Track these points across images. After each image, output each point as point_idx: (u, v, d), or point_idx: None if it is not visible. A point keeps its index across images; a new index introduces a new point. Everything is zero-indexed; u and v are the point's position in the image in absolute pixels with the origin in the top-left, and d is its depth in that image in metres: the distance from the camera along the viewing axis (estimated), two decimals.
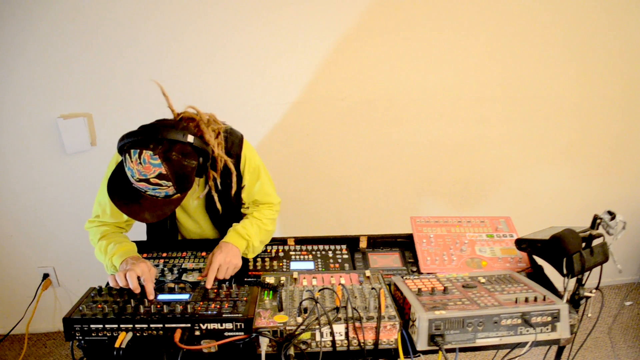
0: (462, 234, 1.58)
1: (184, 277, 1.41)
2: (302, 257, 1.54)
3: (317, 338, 1.10)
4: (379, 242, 1.61)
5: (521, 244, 1.38)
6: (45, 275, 2.49)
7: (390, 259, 1.54)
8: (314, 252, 1.56)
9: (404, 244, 1.60)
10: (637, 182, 2.74)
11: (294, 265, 1.49)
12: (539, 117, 2.46)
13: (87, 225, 1.53)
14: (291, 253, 1.56)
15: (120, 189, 1.23)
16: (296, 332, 1.09)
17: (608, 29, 2.29)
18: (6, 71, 2.02)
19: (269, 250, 1.57)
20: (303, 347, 1.10)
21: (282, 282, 1.31)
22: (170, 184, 1.18)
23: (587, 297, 1.26)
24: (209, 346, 1.11)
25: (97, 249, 1.45)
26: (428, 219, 1.64)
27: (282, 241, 1.61)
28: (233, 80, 2.16)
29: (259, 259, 1.52)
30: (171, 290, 1.24)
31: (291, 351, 1.08)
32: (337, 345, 1.11)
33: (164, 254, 1.54)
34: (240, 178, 1.50)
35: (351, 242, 1.61)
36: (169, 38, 2.05)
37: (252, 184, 1.55)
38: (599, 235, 1.28)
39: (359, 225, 2.57)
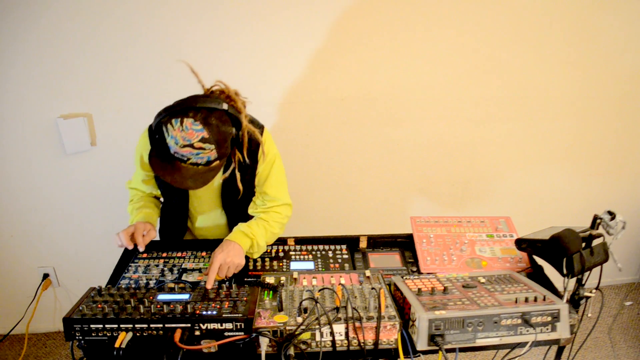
0: (462, 234, 1.58)
1: (184, 277, 1.41)
2: (302, 257, 1.54)
3: (317, 338, 1.10)
4: (379, 242, 1.61)
5: (521, 244, 1.38)
6: (45, 275, 2.49)
7: (390, 259, 1.54)
8: (314, 252, 1.56)
9: (404, 244, 1.60)
10: (637, 182, 2.74)
11: (294, 265, 1.49)
12: (539, 117, 2.46)
13: (127, 184, 1.68)
14: (291, 253, 1.56)
15: (162, 162, 1.27)
16: (296, 332, 1.09)
17: (608, 28, 2.29)
18: (6, 71, 2.02)
19: (269, 251, 1.57)
20: (303, 347, 1.10)
21: (282, 282, 1.31)
22: (212, 147, 1.22)
23: (587, 297, 1.26)
24: (209, 346, 1.11)
25: (128, 209, 1.62)
26: (428, 219, 1.64)
27: (282, 241, 1.61)
28: (232, 81, 2.12)
29: (259, 259, 1.51)
30: (171, 290, 1.24)
31: (291, 351, 1.08)
32: (337, 345, 1.11)
33: (164, 254, 1.54)
34: (256, 164, 1.52)
35: (351, 242, 1.61)
36: (169, 38, 2.05)
37: (264, 173, 1.55)
38: (599, 235, 1.28)
39: (359, 225, 2.57)
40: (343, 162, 2.44)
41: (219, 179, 1.53)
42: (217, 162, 1.29)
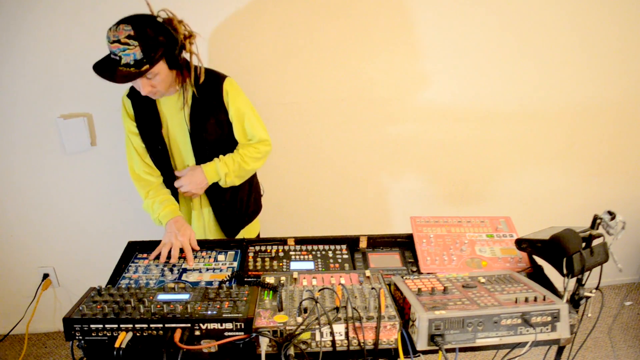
0: (462, 234, 1.58)
1: (184, 277, 1.41)
2: (302, 257, 1.54)
3: (317, 338, 1.10)
4: (379, 242, 1.61)
5: (521, 244, 1.38)
6: (45, 275, 2.49)
7: (390, 259, 1.54)
8: (314, 252, 1.56)
9: (404, 244, 1.60)
10: (636, 182, 2.74)
11: (294, 265, 1.49)
12: (539, 117, 2.46)
13: (131, 177, 1.76)
14: (291, 253, 1.56)
15: (103, 67, 1.44)
16: (296, 332, 1.09)
17: (606, 29, 2.30)
18: (6, 71, 2.02)
19: (269, 250, 1.56)
20: (303, 347, 1.10)
21: (282, 282, 1.31)
22: (136, 43, 1.37)
23: (587, 297, 1.26)
24: (209, 346, 1.11)
25: (144, 205, 1.73)
26: (428, 219, 1.64)
27: (282, 241, 1.61)
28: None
29: (259, 259, 1.51)
30: (171, 290, 1.24)
31: (291, 351, 1.08)
32: (337, 345, 1.11)
33: None
34: (224, 110, 1.69)
35: (351, 242, 1.61)
36: None
37: (237, 122, 1.71)
38: (599, 235, 1.28)
39: (359, 225, 2.57)
40: (343, 162, 2.44)
41: (184, 115, 1.66)
42: (147, 65, 1.40)
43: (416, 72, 2.27)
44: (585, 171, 2.66)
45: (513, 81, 2.35)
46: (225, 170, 1.70)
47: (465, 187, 2.60)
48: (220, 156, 1.73)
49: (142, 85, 1.49)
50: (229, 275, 1.41)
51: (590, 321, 1.36)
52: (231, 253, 1.55)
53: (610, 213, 1.27)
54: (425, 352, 1.11)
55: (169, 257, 1.51)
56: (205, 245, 1.60)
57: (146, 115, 1.67)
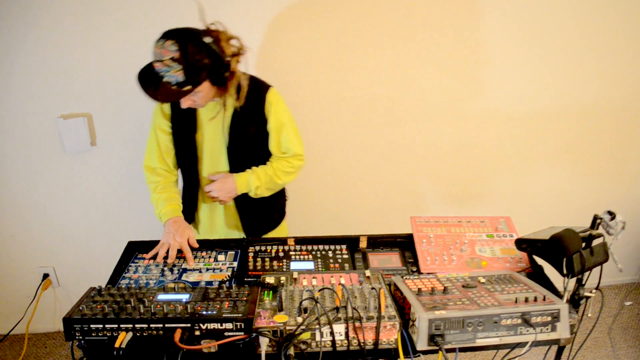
0: (462, 234, 1.58)
1: (184, 277, 1.41)
2: (302, 257, 1.53)
3: (317, 338, 1.10)
4: (379, 242, 1.61)
5: (521, 244, 1.38)
6: (45, 275, 2.49)
7: (390, 259, 1.54)
8: (314, 252, 1.56)
9: (404, 244, 1.60)
10: (637, 182, 2.74)
11: (294, 265, 1.49)
12: (539, 117, 2.46)
13: (144, 169, 1.75)
14: (291, 253, 1.56)
15: (146, 76, 1.42)
16: (296, 332, 1.09)
17: (606, 30, 2.30)
18: (6, 71, 2.02)
19: (269, 250, 1.57)
20: (303, 347, 1.10)
21: (282, 282, 1.31)
22: (180, 67, 1.35)
23: (587, 297, 1.26)
24: (209, 346, 1.11)
25: (151, 198, 1.71)
26: (428, 219, 1.64)
27: (282, 241, 1.61)
28: None
29: (259, 259, 1.51)
30: (171, 290, 1.24)
31: (291, 351, 1.08)
32: (337, 345, 1.11)
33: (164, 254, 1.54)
34: (264, 120, 1.66)
35: (351, 242, 1.60)
36: None
37: (274, 132, 1.69)
38: (599, 235, 1.28)
39: (359, 225, 2.57)
40: (343, 162, 2.44)
41: (223, 123, 1.63)
42: (189, 86, 1.39)
43: (416, 72, 2.27)
44: (585, 171, 2.66)
45: (513, 81, 2.36)
46: (257, 184, 1.67)
47: (465, 187, 2.60)
48: (254, 168, 1.69)
49: (183, 101, 1.47)
50: (229, 275, 1.42)
51: (590, 321, 1.36)
52: (231, 253, 1.55)
53: (610, 213, 1.27)
54: (425, 352, 1.11)
55: (166, 257, 1.51)
56: (205, 245, 1.60)
57: (182, 118, 1.63)
